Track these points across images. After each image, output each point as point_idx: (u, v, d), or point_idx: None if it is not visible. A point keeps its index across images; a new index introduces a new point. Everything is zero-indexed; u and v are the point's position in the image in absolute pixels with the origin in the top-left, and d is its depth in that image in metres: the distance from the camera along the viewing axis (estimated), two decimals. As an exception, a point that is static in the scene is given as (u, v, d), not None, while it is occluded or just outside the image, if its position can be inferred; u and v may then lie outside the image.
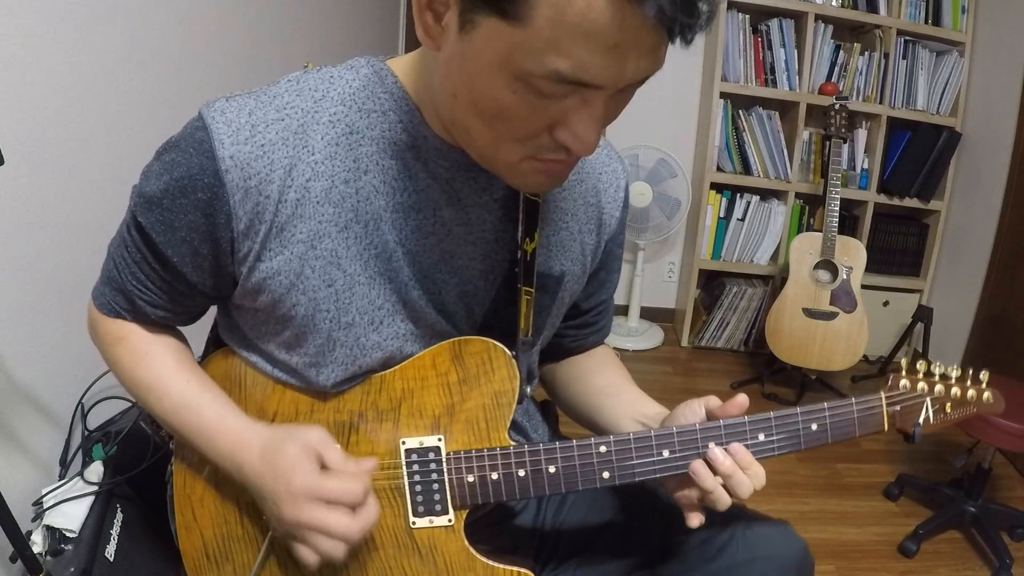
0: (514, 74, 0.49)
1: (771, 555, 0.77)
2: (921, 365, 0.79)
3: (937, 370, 0.79)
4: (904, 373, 0.78)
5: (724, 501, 0.69)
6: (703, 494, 0.70)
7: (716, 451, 0.69)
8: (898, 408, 0.76)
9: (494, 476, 0.71)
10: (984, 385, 0.80)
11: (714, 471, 0.69)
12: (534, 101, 0.51)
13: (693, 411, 0.74)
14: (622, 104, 0.56)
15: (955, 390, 0.79)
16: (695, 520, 0.72)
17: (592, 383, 0.90)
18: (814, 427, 0.72)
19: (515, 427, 0.85)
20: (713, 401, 0.74)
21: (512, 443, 0.72)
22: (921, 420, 0.77)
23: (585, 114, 0.52)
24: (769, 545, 0.78)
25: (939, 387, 0.78)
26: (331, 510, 0.63)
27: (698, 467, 0.70)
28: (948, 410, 0.79)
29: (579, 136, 0.53)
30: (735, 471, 0.69)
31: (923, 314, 2.58)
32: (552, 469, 0.71)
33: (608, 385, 0.88)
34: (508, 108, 0.52)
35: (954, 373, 0.79)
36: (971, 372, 0.81)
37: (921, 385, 0.78)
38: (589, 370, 0.92)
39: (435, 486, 0.72)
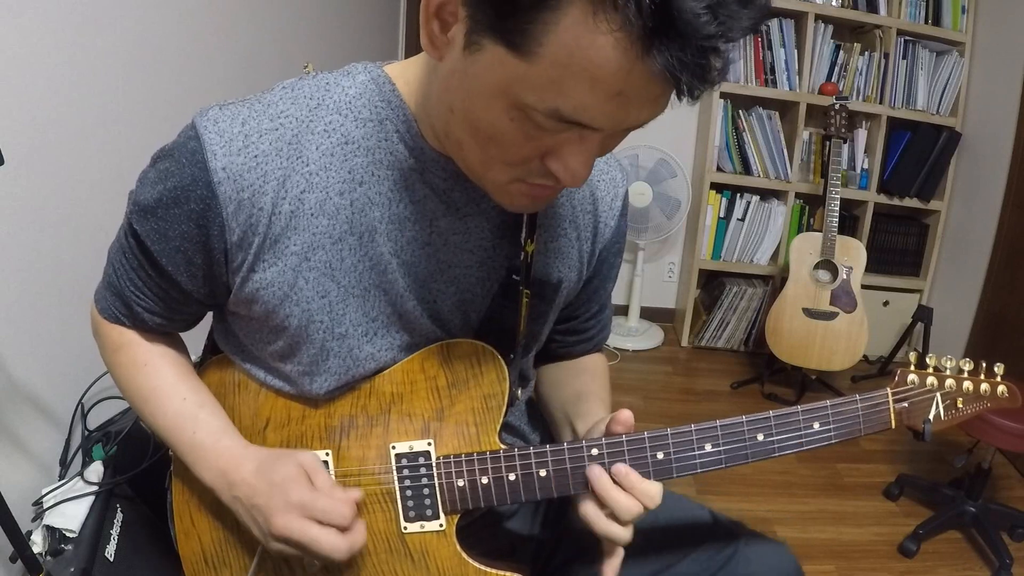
0: (513, 103, 0.49)
1: (767, 572, 0.80)
2: (931, 359, 0.75)
3: (948, 364, 0.75)
4: (912, 368, 0.75)
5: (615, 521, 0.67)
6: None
7: (594, 468, 0.67)
8: (906, 404, 0.73)
9: (484, 480, 0.70)
10: (998, 379, 0.76)
11: (592, 490, 0.67)
12: (529, 131, 0.51)
13: (599, 430, 0.73)
14: (618, 141, 0.56)
15: (967, 384, 0.75)
16: (610, 571, 0.70)
17: (562, 391, 0.89)
18: (816, 426, 0.71)
19: (510, 430, 0.85)
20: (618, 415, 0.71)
21: (503, 446, 0.71)
22: (931, 416, 0.73)
23: (579, 149, 0.52)
24: (765, 563, 0.80)
25: (950, 381, 0.74)
26: (320, 526, 0.64)
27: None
28: (960, 405, 0.75)
29: (570, 169, 0.53)
30: (607, 492, 0.66)
31: (923, 314, 2.58)
32: (543, 473, 0.69)
33: (571, 394, 0.87)
34: (503, 133, 0.51)
35: (966, 367, 0.75)
36: (984, 365, 0.76)
37: (931, 380, 0.74)
38: (566, 377, 0.90)
39: (425, 491, 0.71)
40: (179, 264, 0.65)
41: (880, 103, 2.88)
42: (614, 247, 0.83)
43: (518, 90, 0.47)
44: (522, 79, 0.47)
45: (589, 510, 0.68)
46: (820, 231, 2.52)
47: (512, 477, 0.70)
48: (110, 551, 0.88)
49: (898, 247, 3.02)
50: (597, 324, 0.91)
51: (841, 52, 2.89)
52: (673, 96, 0.50)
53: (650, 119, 0.51)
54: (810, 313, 2.52)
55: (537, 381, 0.94)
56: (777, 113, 2.93)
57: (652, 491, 0.67)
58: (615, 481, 0.67)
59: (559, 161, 0.53)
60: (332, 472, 0.73)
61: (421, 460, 0.71)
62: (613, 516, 0.67)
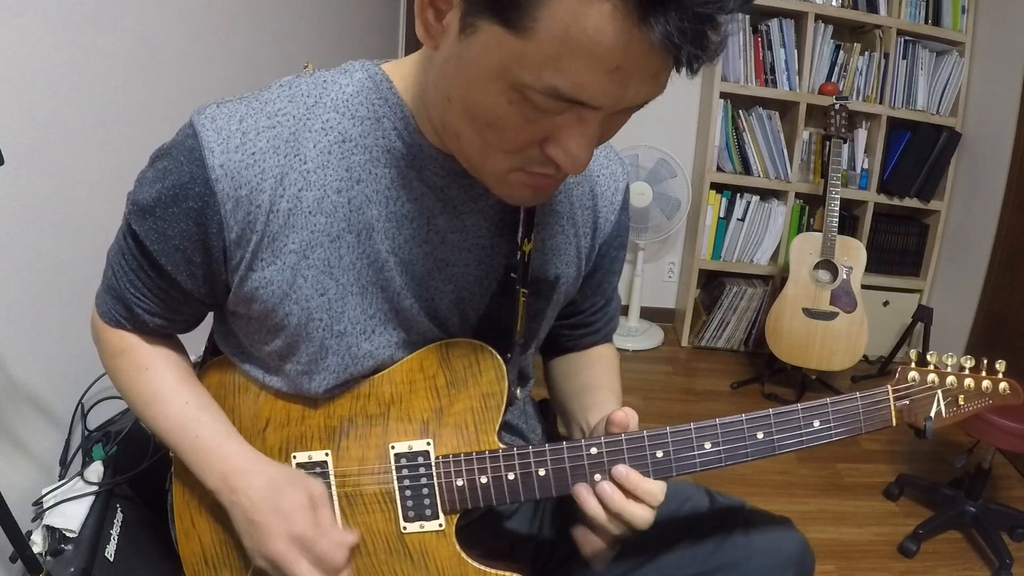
0: (510, 84, 0.48)
1: (771, 550, 0.77)
2: (932, 356, 0.75)
3: (949, 361, 0.75)
4: (913, 365, 0.74)
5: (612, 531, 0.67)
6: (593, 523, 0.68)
7: (604, 486, 0.67)
8: (907, 402, 0.73)
9: (483, 480, 0.70)
10: (1000, 375, 0.75)
11: (604, 507, 0.67)
12: (528, 113, 0.50)
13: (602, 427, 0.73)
14: (618, 125, 0.55)
15: (968, 381, 0.74)
16: (585, 542, 0.69)
17: (572, 383, 0.89)
18: (817, 424, 0.70)
19: (511, 429, 0.85)
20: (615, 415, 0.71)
21: (502, 446, 0.72)
22: (933, 414, 0.73)
23: (578, 132, 0.51)
24: (769, 541, 0.79)
25: (951, 379, 0.74)
26: (312, 566, 0.65)
27: (583, 492, 0.67)
28: (961, 402, 0.74)
29: (570, 153, 0.52)
30: (624, 506, 0.66)
31: (923, 314, 2.58)
32: (542, 472, 0.69)
33: (581, 386, 0.87)
34: (502, 118, 0.51)
35: (967, 364, 0.75)
36: (986, 362, 0.76)
37: (931, 377, 0.74)
38: (576, 369, 0.91)
39: (425, 491, 0.71)
40: (179, 263, 0.65)
41: (880, 103, 2.88)
42: (615, 241, 0.83)
43: (515, 70, 0.47)
44: (519, 58, 0.46)
45: (581, 535, 0.69)
46: (820, 231, 2.52)
47: (511, 476, 0.70)
48: (110, 551, 0.88)
49: (898, 247, 3.02)
50: (604, 316, 0.91)
51: (841, 52, 2.89)
52: (672, 96, 0.49)
53: (649, 98, 0.50)
54: (810, 313, 2.52)
55: (547, 373, 0.94)
56: (777, 113, 2.93)
57: (655, 489, 0.67)
58: (617, 484, 0.67)
59: (559, 146, 0.52)
60: (332, 472, 0.73)
61: (420, 460, 0.71)
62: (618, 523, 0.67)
